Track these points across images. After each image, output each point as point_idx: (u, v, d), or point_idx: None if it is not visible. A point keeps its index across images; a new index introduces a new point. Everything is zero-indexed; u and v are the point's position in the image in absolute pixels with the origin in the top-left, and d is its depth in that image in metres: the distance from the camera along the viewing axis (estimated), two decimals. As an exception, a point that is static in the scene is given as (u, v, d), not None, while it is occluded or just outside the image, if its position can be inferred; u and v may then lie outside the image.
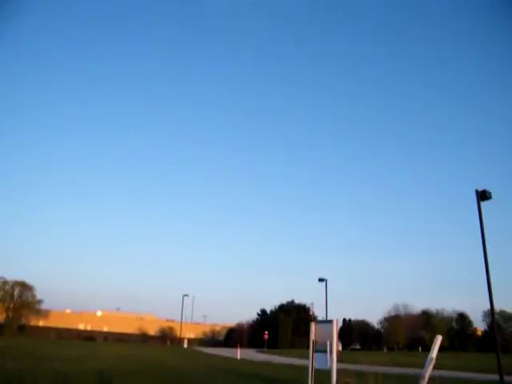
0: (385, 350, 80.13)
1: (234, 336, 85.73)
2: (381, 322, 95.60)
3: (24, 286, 79.57)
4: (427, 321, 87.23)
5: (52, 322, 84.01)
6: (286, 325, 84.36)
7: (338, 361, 11.86)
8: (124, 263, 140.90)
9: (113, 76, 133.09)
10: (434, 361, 9.33)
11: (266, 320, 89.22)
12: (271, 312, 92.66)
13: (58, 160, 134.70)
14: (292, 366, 23.64)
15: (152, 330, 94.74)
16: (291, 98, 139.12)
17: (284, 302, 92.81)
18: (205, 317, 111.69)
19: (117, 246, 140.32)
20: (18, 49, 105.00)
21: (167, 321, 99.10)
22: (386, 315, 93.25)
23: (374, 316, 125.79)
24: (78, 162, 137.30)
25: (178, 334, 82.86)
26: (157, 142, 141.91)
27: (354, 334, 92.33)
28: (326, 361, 11.59)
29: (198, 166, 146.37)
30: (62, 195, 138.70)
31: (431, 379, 9.37)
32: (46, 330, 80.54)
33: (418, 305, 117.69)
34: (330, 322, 11.96)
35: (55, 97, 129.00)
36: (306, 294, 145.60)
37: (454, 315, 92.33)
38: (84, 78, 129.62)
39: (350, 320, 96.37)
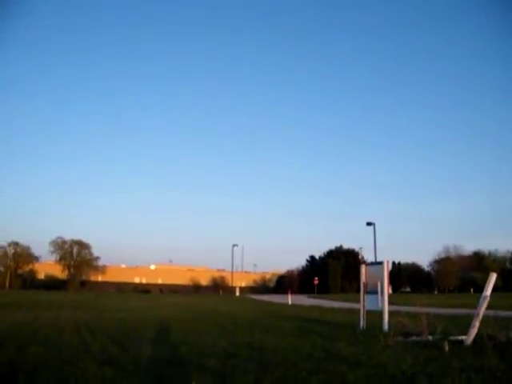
0: (436, 292, 79.97)
1: (284, 283, 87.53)
2: (431, 265, 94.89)
3: (81, 245, 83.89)
4: (479, 262, 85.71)
5: (109, 277, 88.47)
6: (335, 270, 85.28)
7: (389, 303, 11.95)
8: (173, 217, 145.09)
9: None
10: (487, 299, 9.25)
11: (315, 266, 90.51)
12: (320, 258, 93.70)
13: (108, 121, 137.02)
14: (343, 309, 24.05)
15: (204, 281, 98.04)
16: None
17: (333, 247, 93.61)
18: (255, 265, 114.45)
19: (166, 200, 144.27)
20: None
21: (218, 271, 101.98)
22: (437, 257, 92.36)
23: (423, 258, 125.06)
24: (132, 121, 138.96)
25: (230, 283, 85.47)
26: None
27: (404, 277, 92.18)
28: (378, 302, 11.73)
29: (241, 118, 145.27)
30: (115, 153, 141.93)
31: (485, 318, 9.32)
32: (105, 284, 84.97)
33: (469, 246, 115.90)
34: (381, 263, 12.01)
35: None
36: (355, 239, 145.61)
37: (509, 255, 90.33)
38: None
39: (399, 263, 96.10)
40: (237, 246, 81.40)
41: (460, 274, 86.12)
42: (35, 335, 10.41)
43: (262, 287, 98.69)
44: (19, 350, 8.04)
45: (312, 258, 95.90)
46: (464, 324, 10.52)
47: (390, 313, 11.83)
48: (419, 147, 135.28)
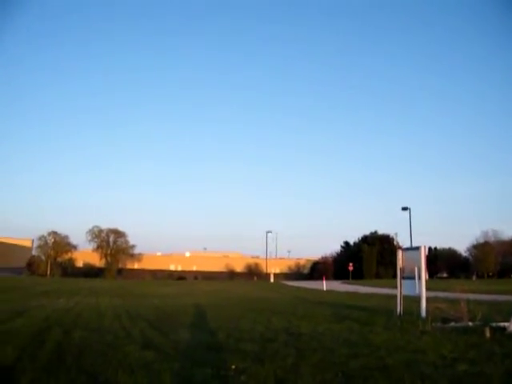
0: (474, 278, 78.10)
1: (318, 269, 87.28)
2: (469, 250, 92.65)
3: (117, 233, 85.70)
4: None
5: (145, 265, 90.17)
6: (370, 256, 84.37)
7: (426, 289, 11.77)
8: (208, 205, 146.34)
9: None
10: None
11: (349, 252, 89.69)
12: (354, 244, 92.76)
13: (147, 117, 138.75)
14: (379, 295, 23.88)
15: (238, 267, 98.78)
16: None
17: (367, 233, 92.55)
18: (289, 252, 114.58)
19: (201, 189, 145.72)
20: None
21: (252, 257, 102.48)
22: (475, 242, 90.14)
23: (461, 244, 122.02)
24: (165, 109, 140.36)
25: (264, 269, 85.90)
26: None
27: (440, 262, 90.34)
28: (415, 287, 11.58)
29: (268, 110, 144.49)
30: (150, 142, 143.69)
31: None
32: (141, 272, 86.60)
33: (509, 231, 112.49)
34: (417, 248, 11.83)
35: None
36: (389, 225, 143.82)
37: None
38: None
39: (435, 248, 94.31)
40: (271, 232, 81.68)
41: (499, 260, 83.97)
42: (78, 320, 10.76)
43: (296, 274, 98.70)
44: (65, 334, 8.34)
45: (346, 243, 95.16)
46: (506, 311, 10.30)
47: (428, 298, 11.66)
48: (456, 129, 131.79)
